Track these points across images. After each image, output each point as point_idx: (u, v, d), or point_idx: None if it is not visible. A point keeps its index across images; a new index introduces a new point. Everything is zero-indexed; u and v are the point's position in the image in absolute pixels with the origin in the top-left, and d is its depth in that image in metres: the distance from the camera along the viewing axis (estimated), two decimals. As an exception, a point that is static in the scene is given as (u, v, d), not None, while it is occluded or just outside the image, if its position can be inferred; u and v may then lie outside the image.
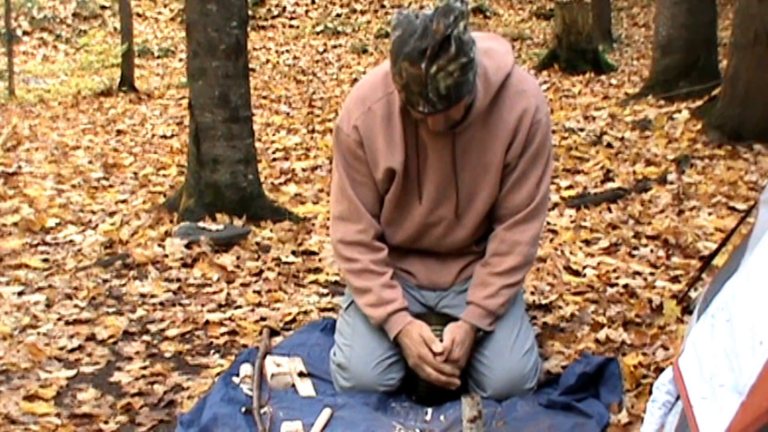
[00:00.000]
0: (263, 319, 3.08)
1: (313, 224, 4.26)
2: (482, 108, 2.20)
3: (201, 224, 4.00)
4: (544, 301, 3.08)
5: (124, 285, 3.48)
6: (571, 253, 3.61)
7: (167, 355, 2.85)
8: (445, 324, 2.39)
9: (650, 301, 3.02)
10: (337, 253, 2.43)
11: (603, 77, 9.18)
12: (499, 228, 2.37)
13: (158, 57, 12.79)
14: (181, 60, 11.97)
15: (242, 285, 3.46)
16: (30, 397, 2.51)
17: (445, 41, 1.97)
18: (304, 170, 5.56)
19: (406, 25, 2.02)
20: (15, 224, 4.39)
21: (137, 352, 2.86)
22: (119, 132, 7.40)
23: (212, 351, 2.88)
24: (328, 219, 4.34)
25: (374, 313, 2.35)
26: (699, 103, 6.28)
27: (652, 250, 3.59)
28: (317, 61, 11.87)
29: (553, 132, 5.96)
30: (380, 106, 2.26)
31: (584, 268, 3.42)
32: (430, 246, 2.45)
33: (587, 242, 3.78)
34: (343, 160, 2.34)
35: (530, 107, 2.24)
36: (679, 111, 6.24)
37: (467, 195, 2.33)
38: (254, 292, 3.37)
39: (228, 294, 3.35)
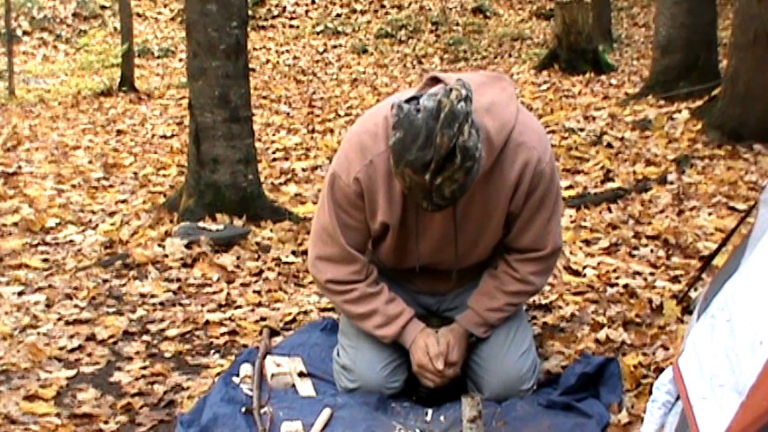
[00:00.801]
0: (263, 319, 3.08)
1: (313, 224, 4.25)
2: (483, 173, 2.10)
3: (201, 224, 4.00)
4: (544, 301, 3.08)
5: (124, 285, 3.48)
6: (571, 253, 3.61)
7: (167, 355, 2.85)
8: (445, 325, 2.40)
9: (650, 301, 3.02)
10: (328, 290, 2.37)
11: (603, 77, 9.17)
12: (514, 256, 2.33)
13: (158, 57, 12.78)
14: (181, 60, 11.97)
15: (242, 285, 3.46)
16: (30, 397, 2.51)
17: (450, 153, 1.90)
18: (304, 170, 5.56)
19: (407, 126, 1.92)
20: (15, 224, 4.39)
21: (137, 352, 2.86)
22: (119, 132, 7.40)
23: (212, 351, 2.88)
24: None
25: (387, 332, 2.32)
26: (699, 103, 6.28)
27: (652, 250, 3.59)
28: (317, 61, 11.87)
29: (553, 132, 5.97)
30: (382, 161, 2.15)
31: (584, 268, 3.42)
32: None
33: (587, 242, 3.78)
34: (335, 206, 2.24)
35: (531, 159, 2.16)
36: (679, 111, 6.24)
37: (467, 245, 2.30)
38: (254, 292, 3.37)
39: (228, 294, 3.35)
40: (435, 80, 2.13)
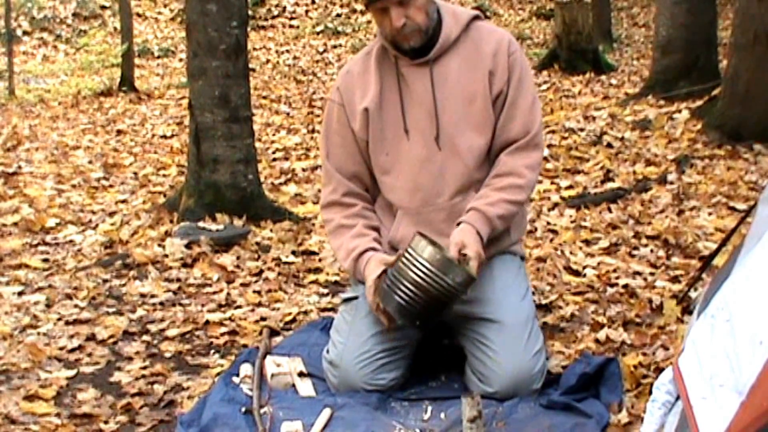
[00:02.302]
0: (263, 319, 3.08)
1: (313, 224, 4.26)
2: (453, 35, 2.39)
3: (201, 224, 4.00)
4: (544, 301, 3.08)
5: (124, 285, 3.48)
6: (571, 253, 3.61)
7: (167, 355, 2.85)
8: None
9: (650, 301, 3.02)
10: (324, 220, 2.56)
11: (603, 77, 9.17)
12: (502, 155, 2.43)
13: (158, 57, 12.79)
14: (181, 60, 11.97)
15: (242, 285, 3.46)
16: (30, 397, 2.51)
17: None
18: (304, 170, 5.56)
19: None
20: (15, 224, 4.40)
21: (137, 352, 2.86)
22: (119, 132, 7.40)
23: (212, 351, 2.88)
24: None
25: (345, 265, 2.45)
26: (699, 103, 6.28)
27: (652, 250, 3.59)
28: (317, 61, 11.87)
29: (553, 132, 5.98)
30: (357, 63, 2.49)
31: (584, 268, 3.42)
32: (431, 195, 2.42)
33: (587, 242, 3.78)
34: (327, 130, 2.52)
35: (503, 39, 2.42)
36: (679, 111, 6.24)
37: (452, 126, 2.39)
38: (254, 292, 3.37)
39: (228, 294, 3.35)
40: None
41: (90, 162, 6.06)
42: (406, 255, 2.23)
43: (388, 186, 2.48)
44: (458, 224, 2.35)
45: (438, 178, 2.42)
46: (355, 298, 2.45)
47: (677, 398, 1.66)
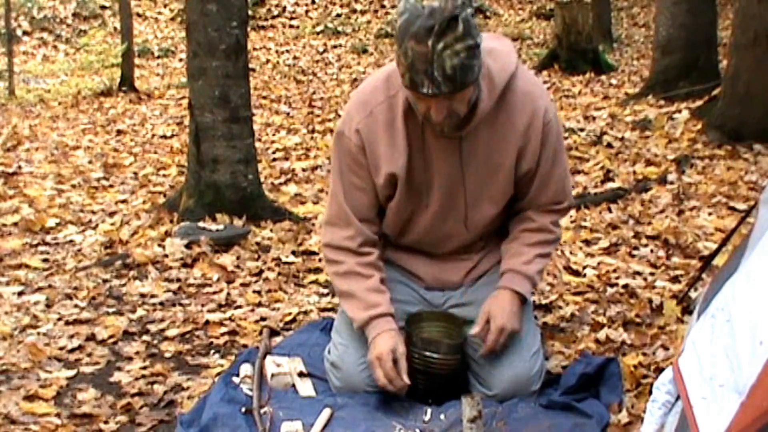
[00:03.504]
0: (263, 319, 3.08)
1: (313, 224, 4.26)
2: (487, 109, 2.18)
3: (201, 224, 4.00)
4: (544, 301, 3.08)
5: (124, 285, 3.48)
6: (571, 253, 3.61)
7: (167, 355, 2.85)
8: (451, 323, 2.39)
9: (650, 301, 3.02)
10: (325, 257, 2.43)
11: (603, 77, 9.18)
12: (529, 210, 2.38)
13: (158, 57, 12.79)
14: (181, 60, 11.97)
15: (242, 285, 3.46)
16: (30, 397, 2.51)
17: (452, 20, 1.96)
18: (304, 170, 5.56)
19: (412, 9, 2.00)
20: (15, 224, 4.39)
21: (137, 352, 2.86)
22: (119, 132, 7.40)
23: (212, 351, 2.88)
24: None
25: (357, 316, 2.30)
26: (699, 103, 6.28)
27: (652, 250, 3.59)
28: (317, 61, 11.87)
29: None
30: (382, 110, 2.23)
31: (584, 268, 3.42)
32: (437, 246, 2.44)
33: (587, 242, 3.78)
34: (342, 165, 2.31)
35: (539, 109, 2.23)
36: (679, 111, 6.24)
37: (475, 198, 2.31)
38: (254, 292, 3.37)
39: (228, 294, 3.35)
40: None
41: (90, 162, 6.06)
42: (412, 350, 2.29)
43: (389, 225, 2.43)
44: (496, 288, 2.34)
45: (442, 238, 2.42)
46: None
47: (677, 398, 1.66)
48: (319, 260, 3.72)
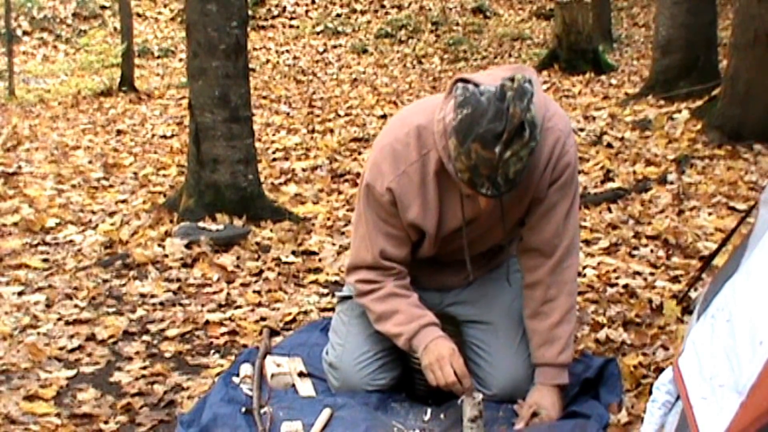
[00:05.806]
0: (263, 319, 3.08)
1: (313, 224, 4.26)
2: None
3: (201, 224, 4.00)
4: (544, 301, 3.07)
5: (124, 285, 3.48)
6: (571, 253, 3.61)
7: (167, 355, 2.85)
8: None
9: (650, 301, 3.02)
10: (358, 290, 2.33)
11: (603, 77, 9.18)
12: (541, 273, 2.26)
13: (158, 57, 12.78)
14: (181, 60, 11.96)
15: (242, 285, 3.46)
16: (30, 397, 2.51)
17: (521, 126, 1.89)
18: (304, 170, 5.56)
19: (475, 104, 1.92)
20: (15, 224, 4.40)
21: (137, 352, 2.86)
22: (119, 132, 7.40)
23: (212, 351, 2.88)
24: (329, 219, 4.37)
25: (403, 329, 2.25)
26: (699, 103, 6.28)
27: (652, 250, 3.59)
28: (317, 61, 11.88)
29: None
30: (415, 170, 2.15)
31: (584, 268, 3.42)
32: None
33: (587, 242, 3.77)
34: (374, 216, 2.24)
35: (558, 142, 2.15)
36: (679, 111, 6.24)
37: (512, 224, 2.27)
38: (254, 292, 3.37)
39: (228, 294, 3.35)
40: (463, 81, 2.08)
41: (90, 162, 6.06)
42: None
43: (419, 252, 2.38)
44: (538, 382, 2.28)
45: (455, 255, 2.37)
46: (350, 297, 2.44)
47: (677, 398, 1.66)
48: (319, 260, 3.72)
